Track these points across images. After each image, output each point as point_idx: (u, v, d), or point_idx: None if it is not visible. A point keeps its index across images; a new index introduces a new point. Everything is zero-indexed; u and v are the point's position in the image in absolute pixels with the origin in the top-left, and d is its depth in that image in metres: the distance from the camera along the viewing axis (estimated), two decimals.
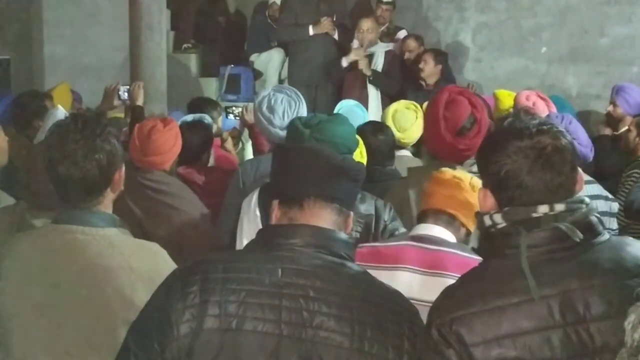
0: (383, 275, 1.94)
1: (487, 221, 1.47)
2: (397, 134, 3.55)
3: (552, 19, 6.42)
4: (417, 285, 1.96)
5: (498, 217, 1.45)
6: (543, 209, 1.42)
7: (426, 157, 2.20)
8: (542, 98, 3.74)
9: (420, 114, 3.70)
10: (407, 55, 5.99)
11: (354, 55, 5.80)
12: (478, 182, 2.03)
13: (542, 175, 1.43)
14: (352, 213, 1.55)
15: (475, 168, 2.65)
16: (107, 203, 1.85)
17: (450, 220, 2.08)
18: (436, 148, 2.64)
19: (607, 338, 1.32)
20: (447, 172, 2.15)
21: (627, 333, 0.71)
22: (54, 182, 1.82)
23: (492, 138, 1.52)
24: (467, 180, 2.11)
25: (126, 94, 3.96)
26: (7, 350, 1.80)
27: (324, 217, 1.48)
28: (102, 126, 1.82)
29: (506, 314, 1.37)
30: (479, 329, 1.37)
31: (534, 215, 1.42)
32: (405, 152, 3.73)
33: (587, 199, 1.47)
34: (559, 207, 1.42)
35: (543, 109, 3.49)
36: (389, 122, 3.62)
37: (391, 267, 2.00)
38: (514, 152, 1.44)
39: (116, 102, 3.98)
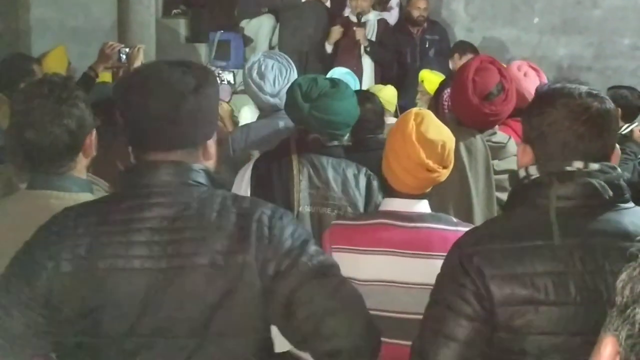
0: (361, 260, 1.95)
1: (522, 173, 1.53)
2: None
3: None
4: (399, 268, 1.92)
5: (533, 169, 1.51)
6: (577, 164, 1.47)
7: (451, 124, 2.16)
8: (533, 68, 3.72)
9: None
10: (416, 13, 5.97)
11: (335, 35, 5.77)
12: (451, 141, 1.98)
13: (583, 132, 1.47)
14: (209, 141, 1.53)
15: (495, 138, 2.68)
16: (80, 168, 1.85)
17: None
18: (462, 112, 2.65)
19: None
20: (413, 156, 1.94)
21: (618, 291, 0.72)
22: (22, 148, 1.81)
23: (542, 94, 1.57)
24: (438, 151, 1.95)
25: (124, 56, 3.79)
26: None
27: (177, 155, 1.48)
28: (69, 91, 1.80)
29: (527, 254, 1.42)
30: (499, 263, 1.42)
31: (568, 168, 1.47)
32: (393, 120, 3.72)
33: (619, 168, 1.51)
34: (594, 166, 1.47)
35: (534, 80, 3.48)
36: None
37: (370, 250, 1.95)
38: (561, 106, 1.48)
39: (112, 64, 3.81)
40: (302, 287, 1.39)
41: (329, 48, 5.81)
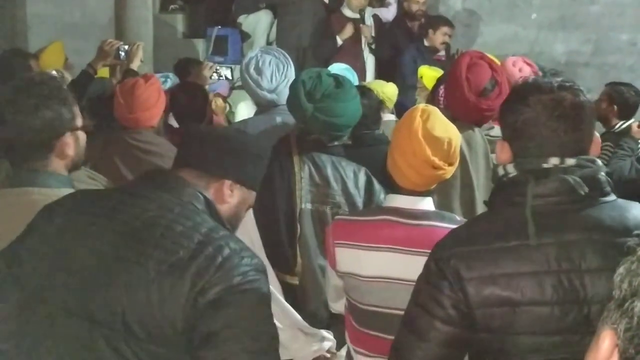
0: (364, 256, 1.95)
1: (500, 171, 1.51)
2: (380, 95, 3.53)
3: None
4: (401, 265, 1.91)
5: (510, 167, 1.50)
6: (554, 160, 1.45)
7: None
8: (528, 64, 3.74)
9: None
10: (414, 8, 5.95)
11: (348, 32, 5.75)
12: (457, 139, 1.99)
13: (557, 127, 1.45)
14: (227, 182, 1.55)
15: (492, 132, 2.71)
16: (55, 167, 1.85)
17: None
18: (459, 109, 2.69)
19: (598, 289, 1.36)
20: (419, 152, 1.93)
21: (616, 285, 0.72)
22: None
23: (516, 90, 1.55)
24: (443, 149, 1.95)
25: (123, 53, 3.82)
26: None
27: (190, 174, 1.54)
28: (40, 90, 1.81)
29: (504, 255, 1.41)
30: (476, 265, 1.41)
31: (544, 165, 1.45)
32: (391, 117, 3.72)
33: (599, 161, 1.49)
34: (570, 161, 1.45)
35: (529, 76, 3.50)
36: (371, 85, 3.61)
37: (372, 246, 1.95)
38: (534, 102, 1.46)
39: (111, 61, 3.83)
40: (226, 334, 1.34)
41: (339, 40, 5.80)
